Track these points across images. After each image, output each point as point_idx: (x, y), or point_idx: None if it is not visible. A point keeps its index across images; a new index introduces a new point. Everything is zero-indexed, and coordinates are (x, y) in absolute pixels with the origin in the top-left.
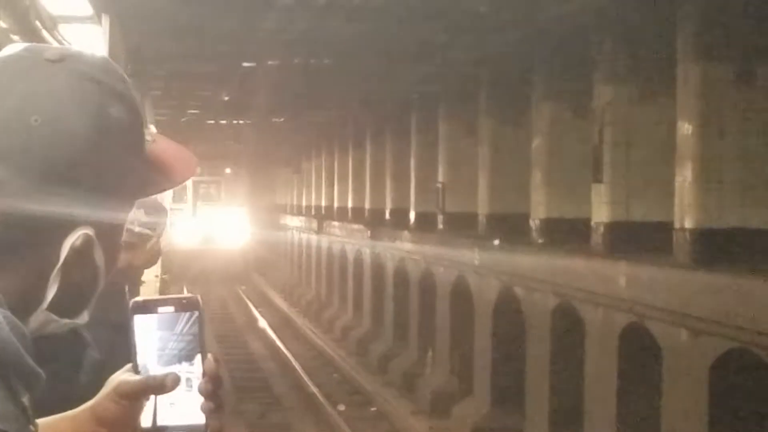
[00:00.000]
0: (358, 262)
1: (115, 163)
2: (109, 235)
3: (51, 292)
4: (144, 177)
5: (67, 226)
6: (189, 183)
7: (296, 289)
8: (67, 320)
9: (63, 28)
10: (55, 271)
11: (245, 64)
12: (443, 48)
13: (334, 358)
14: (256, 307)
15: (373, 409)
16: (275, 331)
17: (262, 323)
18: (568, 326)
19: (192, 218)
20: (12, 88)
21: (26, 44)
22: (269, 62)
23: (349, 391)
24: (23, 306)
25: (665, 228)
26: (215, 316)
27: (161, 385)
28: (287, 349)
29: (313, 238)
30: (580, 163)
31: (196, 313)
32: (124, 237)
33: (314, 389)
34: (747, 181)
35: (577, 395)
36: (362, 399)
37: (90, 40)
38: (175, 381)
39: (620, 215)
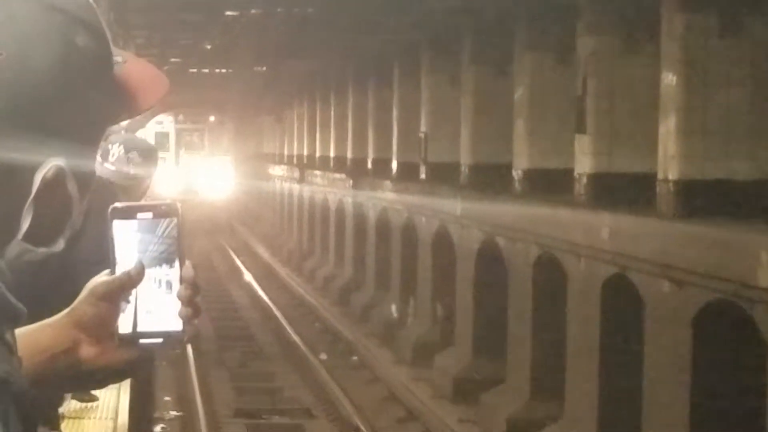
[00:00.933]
0: (340, 211)
1: (83, 94)
2: (80, 164)
3: (25, 224)
4: (113, 105)
5: (38, 159)
6: (171, 131)
7: (278, 238)
8: (43, 249)
9: None
10: (28, 203)
11: (228, 13)
12: None
13: (316, 308)
14: (239, 257)
15: (354, 358)
16: (257, 281)
17: (245, 273)
18: (550, 277)
19: (175, 167)
20: None
21: None
22: (252, 11)
23: (331, 341)
24: None
25: (649, 179)
26: (197, 265)
27: (130, 278)
28: (269, 298)
29: (296, 187)
30: (564, 114)
31: (175, 220)
32: (119, 180)
33: (296, 338)
34: (731, 132)
35: (560, 345)
36: (344, 348)
37: None
38: (140, 269)
39: (603, 166)
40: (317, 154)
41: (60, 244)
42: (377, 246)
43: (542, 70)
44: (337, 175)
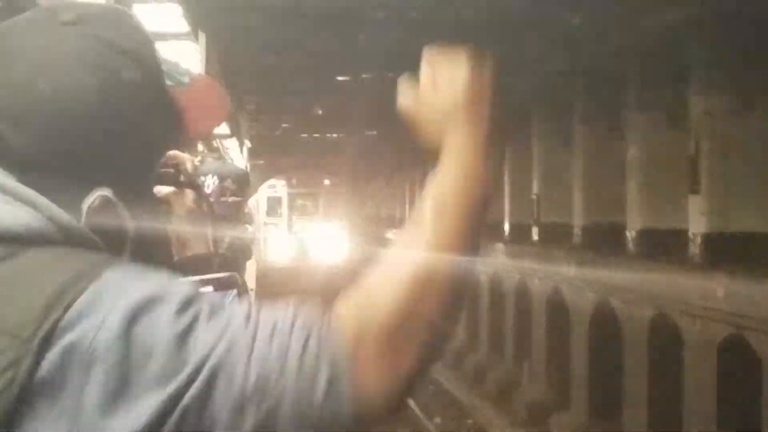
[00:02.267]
0: None
1: (128, 125)
2: (130, 190)
3: None
4: (163, 133)
5: (84, 188)
6: (284, 196)
7: None
8: None
9: (159, 45)
10: None
11: (339, 78)
12: (536, 60)
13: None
14: None
15: (469, 421)
16: None
17: None
18: (665, 338)
19: (288, 234)
20: (24, 51)
21: (48, 4)
22: (363, 76)
23: (445, 404)
24: None
25: (765, 239)
26: None
27: None
28: None
29: None
30: (677, 173)
31: (234, 291)
32: (221, 211)
33: (409, 401)
34: None
35: (676, 407)
36: (458, 411)
37: (185, 56)
38: None
39: (718, 226)
40: None
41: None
42: (490, 308)
43: (654, 129)
44: None
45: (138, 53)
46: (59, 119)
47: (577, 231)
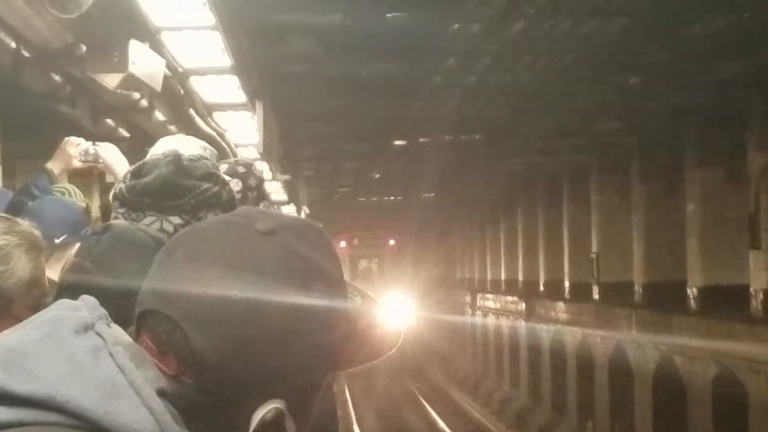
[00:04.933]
0: (514, 333)
1: (312, 339)
2: (300, 407)
3: None
4: (340, 352)
5: (259, 397)
6: (345, 258)
7: (453, 363)
8: None
9: (217, 116)
10: None
11: (396, 143)
12: (593, 120)
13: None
14: (413, 383)
15: None
16: (431, 404)
17: (419, 397)
18: (729, 394)
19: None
20: (220, 254)
21: (243, 210)
22: (420, 140)
23: None
24: None
25: None
26: (372, 392)
27: None
28: (445, 423)
29: (468, 311)
30: (737, 230)
31: None
32: None
33: None
34: None
35: None
36: None
37: (243, 125)
38: None
39: None
40: (489, 277)
41: None
42: (552, 367)
43: (713, 186)
44: (510, 298)
45: (328, 271)
46: (247, 328)
47: (637, 289)
